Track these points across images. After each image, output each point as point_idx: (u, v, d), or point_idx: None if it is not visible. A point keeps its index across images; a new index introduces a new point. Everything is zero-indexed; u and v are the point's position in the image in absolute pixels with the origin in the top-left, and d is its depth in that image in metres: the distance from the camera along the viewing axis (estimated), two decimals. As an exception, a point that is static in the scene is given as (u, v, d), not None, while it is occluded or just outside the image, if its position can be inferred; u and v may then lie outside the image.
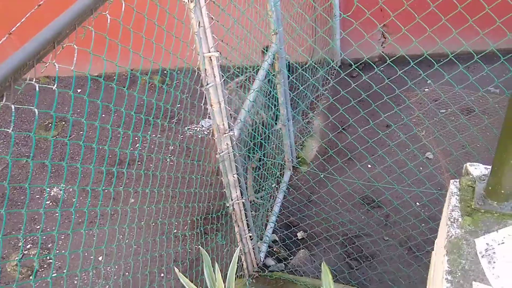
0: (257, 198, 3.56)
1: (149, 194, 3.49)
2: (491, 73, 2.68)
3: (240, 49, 2.90)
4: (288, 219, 3.51)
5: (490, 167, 1.35)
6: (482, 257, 1.25)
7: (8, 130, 1.42)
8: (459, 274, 1.23)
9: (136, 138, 4.44)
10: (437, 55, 2.95)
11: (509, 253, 1.25)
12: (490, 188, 1.35)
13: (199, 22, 1.95)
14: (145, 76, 4.36)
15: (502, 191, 1.31)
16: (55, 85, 1.44)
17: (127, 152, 4.15)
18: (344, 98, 2.86)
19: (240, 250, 2.94)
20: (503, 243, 1.27)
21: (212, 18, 2.01)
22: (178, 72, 2.52)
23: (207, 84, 2.18)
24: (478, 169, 1.47)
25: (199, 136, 4.39)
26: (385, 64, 2.70)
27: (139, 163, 4.21)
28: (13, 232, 3.84)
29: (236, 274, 2.73)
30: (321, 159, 3.86)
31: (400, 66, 2.70)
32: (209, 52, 2.08)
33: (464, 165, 1.50)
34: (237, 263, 2.78)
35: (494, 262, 1.23)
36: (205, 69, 2.13)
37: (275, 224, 3.47)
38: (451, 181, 1.47)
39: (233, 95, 3.26)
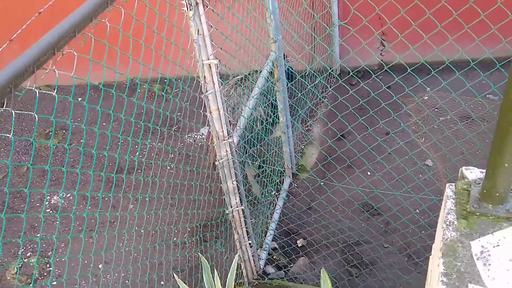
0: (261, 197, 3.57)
1: (148, 201, 3.50)
2: (489, 79, 2.70)
3: (239, 57, 2.92)
4: (287, 226, 3.51)
5: (485, 170, 1.37)
6: (477, 259, 1.26)
7: (8, 135, 1.44)
8: (455, 276, 1.24)
9: (136, 146, 4.45)
10: (436, 62, 2.97)
11: (504, 256, 1.26)
12: (485, 191, 1.36)
13: (198, 30, 1.98)
14: (144, 84, 4.39)
15: (497, 194, 1.33)
16: (55, 91, 1.46)
17: (127, 159, 4.17)
18: (344, 105, 2.87)
19: (240, 257, 2.94)
20: (498, 245, 1.28)
21: (211, 26, 2.04)
22: (178, 79, 2.54)
23: (207, 91, 2.20)
24: (473, 173, 1.48)
25: (199, 144, 4.40)
26: (383, 71, 2.72)
27: (139, 170, 4.22)
28: (13, 241, 3.84)
29: (235, 281, 2.74)
30: (320, 166, 3.87)
31: (399, 74, 2.72)
32: (208, 59, 2.10)
33: (460, 169, 1.51)
34: (237, 270, 2.78)
35: (490, 264, 1.24)
36: (204, 76, 2.16)
37: (274, 232, 3.47)
38: (447, 184, 1.48)
39: (232, 91, 3.31)
